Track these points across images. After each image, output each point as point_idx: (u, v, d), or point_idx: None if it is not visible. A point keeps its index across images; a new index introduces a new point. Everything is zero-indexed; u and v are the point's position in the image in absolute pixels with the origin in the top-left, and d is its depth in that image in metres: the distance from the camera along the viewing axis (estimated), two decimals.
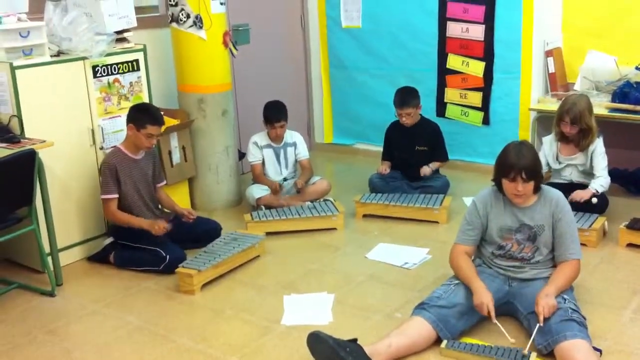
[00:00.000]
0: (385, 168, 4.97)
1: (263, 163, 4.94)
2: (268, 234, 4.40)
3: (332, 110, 6.57)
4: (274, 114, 4.85)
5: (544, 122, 5.20)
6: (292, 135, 5.01)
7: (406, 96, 4.99)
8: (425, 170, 4.97)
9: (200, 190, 5.04)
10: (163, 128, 4.17)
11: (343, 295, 3.65)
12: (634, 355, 2.97)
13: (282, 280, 3.87)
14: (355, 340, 2.90)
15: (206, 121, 4.93)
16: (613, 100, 5.05)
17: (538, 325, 2.92)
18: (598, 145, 4.42)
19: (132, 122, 4.00)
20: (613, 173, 4.69)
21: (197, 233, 4.21)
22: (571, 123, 4.33)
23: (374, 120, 6.08)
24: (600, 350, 2.89)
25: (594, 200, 4.31)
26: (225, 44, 4.89)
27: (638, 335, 3.14)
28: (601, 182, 4.36)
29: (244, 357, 3.09)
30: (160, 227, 3.91)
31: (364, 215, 4.81)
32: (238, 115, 5.56)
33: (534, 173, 3.09)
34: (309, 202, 4.78)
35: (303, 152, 5.02)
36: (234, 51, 5.04)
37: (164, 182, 4.41)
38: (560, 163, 4.54)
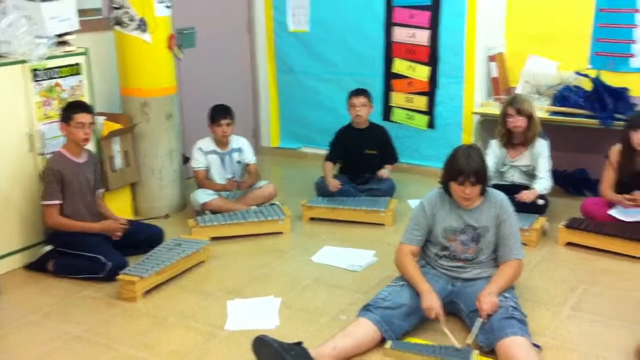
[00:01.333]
0: (337, 185, 4.90)
1: (209, 169, 4.89)
2: (213, 239, 4.35)
3: (280, 114, 6.57)
4: (220, 112, 4.80)
5: (487, 125, 5.30)
6: (237, 141, 4.98)
7: (360, 89, 5.07)
8: (383, 172, 5.02)
9: (144, 195, 4.96)
10: (105, 132, 4.10)
11: (289, 298, 3.63)
12: (572, 350, 3.04)
13: (227, 285, 3.83)
14: (300, 343, 2.90)
15: (150, 125, 4.85)
16: (553, 104, 5.19)
17: (480, 320, 2.97)
18: (544, 148, 4.54)
19: (61, 121, 3.96)
20: (554, 174, 4.80)
21: (140, 239, 4.13)
22: (517, 114, 4.43)
23: (321, 124, 6.10)
24: (539, 347, 2.95)
25: (540, 201, 4.41)
26: (170, 47, 4.83)
27: (576, 331, 3.22)
28: (544, 184, 4.48)
29: None
30: (115, 226, 3.86)
31: (311, 219, 4.81)
32: (183, 119, 5.50)
33: (482, 177, 3.15)
34: (255, 207, 4.75)
35: (249, 156, 4.99)
36: (179, 55, 4.98)
37: (103, 190, 4.33)
38: (504, 165, 4.64)
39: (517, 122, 4.45)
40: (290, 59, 6.30)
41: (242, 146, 4.97)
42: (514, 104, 4.46)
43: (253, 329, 3.24)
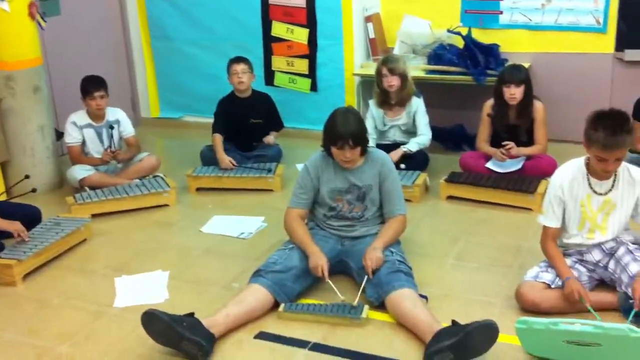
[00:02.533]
0: (229, 163, 4.78)
1: (84, 143, 4.66)
2: (95, 216, 4.19)
3: (157, 84, 6.35)
4: (92, 83, 4.56)
5: (368, 86, 5.37)
6: (114, 113, 4.76)
7: (240, 56, 4.96)
8: (269, 139, 4.99)
9: (16, 174, 4.63)
10: None
11: (178, 271, 3.56)
12: (456, 298, 3.18)
13: (113, 262, 3.69)
14: (192, 314, 2.85)
15: (16, 99, 4.55)
16: (429, 63, 5.33)
17: (367, 277, 3.04)
18: (420, 105, 4.65)
19: None
20: (433, 131, 4.95)
21: (15, 220, 3.88)
22: (390, 73, 4.51)
23: (202, 92, 5.96)
24: (426, 297, 3.05)
25: (402, 165, 4.51)
26: (32, 15, 4.52)
27: (459, 279, 3.37)
28: (417, 139, 4.62)
29: (76, 344, 2.92)
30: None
31: (197, 189, 4.71)
32: (53, 93, 5.19)
33: (361, 139, 3.18)
34: (138, 180, 4.59)
35: (128, 128, 4.80)
36: (42, 23, 4.68)
37: None
38: (385, 125, 4.72)
39: (391, 82, 4.54)
40: (165, 25, 6.07)
41: (119, 118, 4.76)
42: (387, 63, 4.54)
43: (142, 304, 3.15)
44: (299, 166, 4.87)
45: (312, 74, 5.69)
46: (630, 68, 5.05)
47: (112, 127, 4.69)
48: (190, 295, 3.30)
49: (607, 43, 5.10)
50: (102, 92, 4.57)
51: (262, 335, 2.91)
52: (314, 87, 5.73)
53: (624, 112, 2.87)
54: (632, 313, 2.75)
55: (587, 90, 5.16)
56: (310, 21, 5.55)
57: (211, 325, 2.82)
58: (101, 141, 4.70)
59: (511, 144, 4.33)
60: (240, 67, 4.88)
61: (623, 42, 5.04)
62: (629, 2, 4.95)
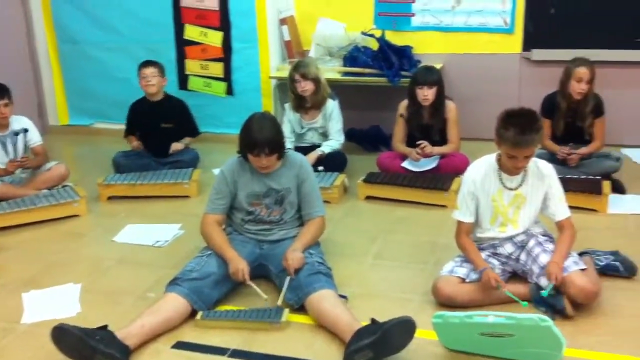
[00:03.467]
0: (138, 145, 4.75)
1: None
2: (1, 229, 3.98)
3: (65, 89, 6.13)
4: None
5: (285, 89, 5.35)
6: (19, 121, 4.55)
7: (150, 60, 4.87)
8: (177, 146, 4.86)
9: None
10: None
11: (91, 283, 3.42)
12: (376, 296, 3.19)
13: (21, 276, 3.51)
14: (105, 326, 2.74)
15: None
16: (344, 65, 5.36)
17: (288, 278, 3.02)
18: (335, 108, 4.67)
19: None
20: (350, 133, 5.00)
21: None
22: (303, 78, 4.51)
23: (114, 97, 5.79)
24: (345, 297, 3.05)
25: (320, 167, 4.51)
26: None
27: (378, 278, 3.39)
28: (330, 143, 4.64)
29: None
30: None
31: (109, 198, 4.56)
32: None
33: (277, 146, 3.14)
34: (46, 190, 4.40)
35: (35, 137, 4.60)
36: None
37: None
38: (302, 128, 4.71)
39: (305, 87, 4.54)
40: (72, 28, 5.87)
41: (25, 126, 4.55)
42: (299, 69, 4.54)
43: (53, 318, 3.01)
44: (216, 171, 4.81)
45: (227, 77, 5.63)
46: (537, 67, 5.23)
47: (16, 134, 4.48)
48: (104, 308, 3.17)
49: (515, 43, 5.27)
50: (5, 100, 4.36)
51: (180, 345, 2.83)
52: (229, 91, 5.67)
53: (533, 111, 2.97)
54: (550, 287, 2.84)
55: (497, 89, 5.32)
56: (224, 24, 5.48)
57: (125, 337, 2.73)
58: (6, 151, 4.48)
59: (425, 143, 4.40)
60: (149, 71, 4.77)
61: (530, 42, 5.22)
62: (534, 3, 5.13)
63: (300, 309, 2.97)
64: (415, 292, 3.18)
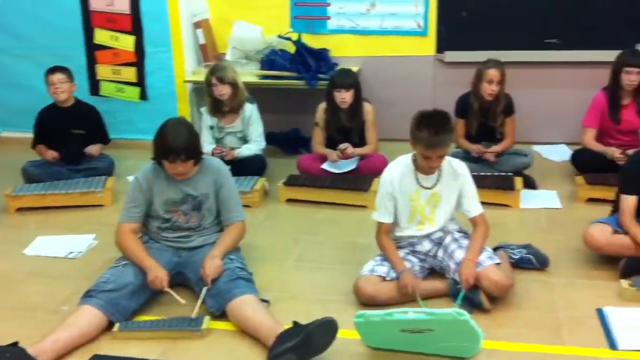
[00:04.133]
0: (53, 155, 4.56)
1: None
2: None
3: None
4: None
5: (201, 93, 5.27)
6: None
7: (57, 66, 4.68)
8: (92, 149, 4.74)
9: None
10: None
11: (0, 299, 3.25)
12: (297, 299, 3.18)
13: None
14: (16, 343, 2.62)
15: None
16: (262, 68, 5.33)
17: (206, 287, 2.95)
18: (254, 112, 4.63)
19: None
20: (270, 136, 4.96)
21: None
22: (220, 82, 4.45)
23: (21, 105, 5.55)
24: (267, 301, 3.03)
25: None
26: None
27: (300, 280, 3.38)
28: (250, 146, 4.60)
29: None
30: None
31: (18, 210, 4.36)
32: None
33: (193, 152, 3.07)
34: None
35: None
36: None
37: None
38: (221, 132, 4.65)
39: (222, 90, 4.49)
40: None
41: None
42: (216, 72, 4.48)
43: None
44: (130, 178, 4.68)
45: (141, 82, 5.49)
46: (450, 69, 5.36)
47: None
48: (14, 323, 3.02)
49: (428, 46, 5.39)
50: None
51: (97, 359, 2.72)
52: (143, 96, 5.54)
53: (445, 113, 3.03)
54: (460, 296, 2.92)
55: (413, 90, 5.42)
56: (135, 28, 5.35)
57: (38, 353, 2.61)
58: None
59: (347, 145, 4.43)
60: (56, 78, 4.60)
61: (443, 44, 5.35)
62: (446, 6, 5.26)
63: (222, 315, 2.92)
64: (338, 293, 3.18)
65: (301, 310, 2.99)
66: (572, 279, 3.27)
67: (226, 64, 4.66)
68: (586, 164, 4.42)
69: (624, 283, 3.08)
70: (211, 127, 4.63)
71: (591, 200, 4.18)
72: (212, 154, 4.26)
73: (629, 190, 3.28)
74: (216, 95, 4.50)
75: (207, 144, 4.51)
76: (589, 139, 4.46)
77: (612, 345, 2.71)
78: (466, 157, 4.38)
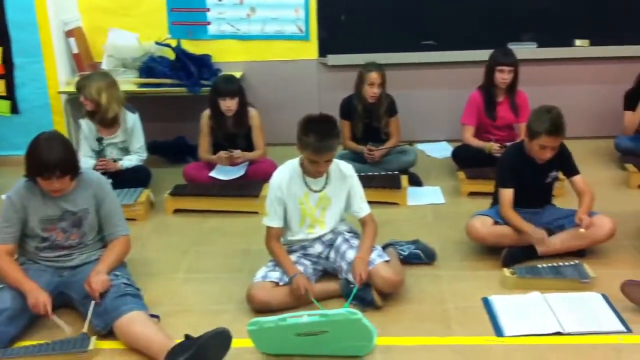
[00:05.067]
0: None
1: None
2: None
3: None
4: None
5: (77, 104, 5.03)
6: None
7: None
8: None
9: None
10: None
11: None
12: (189, 312, 3.10)
13: None
14: None
15: None
16: (141, 76, 5.17)
17: (93, 303, 2.83)
18: (136, 122, 4.47)
19: None
20: (153, 145, 4.82)
21: None
22: (85, 99, 4.31)
23: None
24: (157, 316, 2.92)
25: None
26: None
27: (191, 292, 3.29)
28: (129, 157, 4.47)
29: None
30: None
31: None
32: None
33: (69, 167, 2.91)
34: None
35: None
36: None
37: None
38: (101, 143, 4.45)
39: (88, 106, 4.32)
40: None
41: None
42: (80, 89, 4.33)
43: None
44: (3, 197, 4.40)
45: (11, 95, 5.17)
46: (334, 72, 5.42)
47: None
48: None
49: (311, 50, 5.42)
50: None
51: None
52: (15, 109, 5.21)
53: (331, 117, 3.06)
54: (352, 294, 2.94)
55: (298, 95, 5.43)
56: (2, 38, 5.03)
57: None
58: None
59: (238, 152, 4.35)
60: None
61: (325, 48, 5.39)
62: (325, 11, 5.30)
63: (110, 334, 2.79)
64: (231, 302, 3.13)
65: (193, 323, 2.90)
66: (459, 270, 3.39)
67: (88, 80, 4.36)
68: (466, 159, 4.59)
69: (506, 272, 3.22)
70: (96, 139, 4.42)
71: (473, 194, 4.34)
72: (95, 168, 4.07)
73: (506, 183, 3.44)
74: (88, 109, 4.34)
75: (86, 157, 4.31)
76: (468, 136, 4.65)
77: (499, 332, 2.82)
78: (354, 158, 4.45)
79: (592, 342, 2.73)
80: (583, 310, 2.92)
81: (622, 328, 2.81)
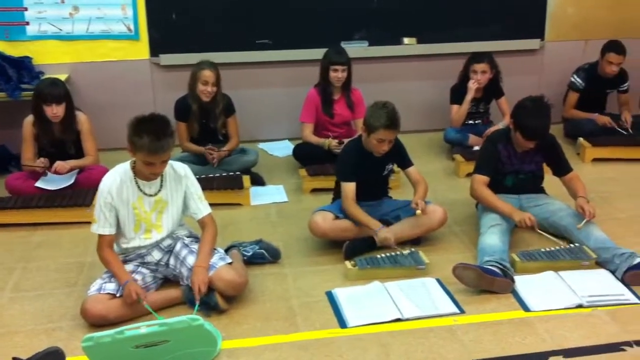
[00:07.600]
0: None
1: None
2: None
3: None
4: None
5: None
6: None
7: None
8: None
9: None
10: None
11: None
12: (17, 333, 2.85)
13: None
14: None
15: None
16: None
17: None
18: None
19: None
20: None
21: None
22: None
23: None
24: None
25: None
26: None
27: (19, 312, 3.03)
28: None
29: None
30: None
31: None
32: None
33: None
34: None
35: None
36: None
37: None
38: None
39: None
40: None
41: None
42: None
43: None
44: None
45: None
46: (167, 72, 5.25)
47: None
48: None
49: (142, 49, 5.21)
50: None
51: None
52: None
53: (163, 116, 2.94)
54: (196, 307, 2.84)
55: (132, 96, 5.20)
56: None
57: None
58: None
59: (64, 166, 4.08)
60: None
61: (157, 47, 5.20)
62: (155, 10, 5.12)
63: None
64: (65, 319, 2.92)
65: (23, 345, 2.68)
66: (303, 267, 3.40)
67: None
68: (307, 156, 4.64)
69: (348, 264, 3.29)
70: None
71: (315, 190, 4.39)
72: None
73: (347, 177, 3.50)
74: None
75: None
76: (308, 133, 4.70)
77: (342, 323, 2.87)
78: (193, 160, 4.35)
79: (429, 326, 2.85)
80: (420, 296, 3.05)
81: (455, 309, 2.96)
